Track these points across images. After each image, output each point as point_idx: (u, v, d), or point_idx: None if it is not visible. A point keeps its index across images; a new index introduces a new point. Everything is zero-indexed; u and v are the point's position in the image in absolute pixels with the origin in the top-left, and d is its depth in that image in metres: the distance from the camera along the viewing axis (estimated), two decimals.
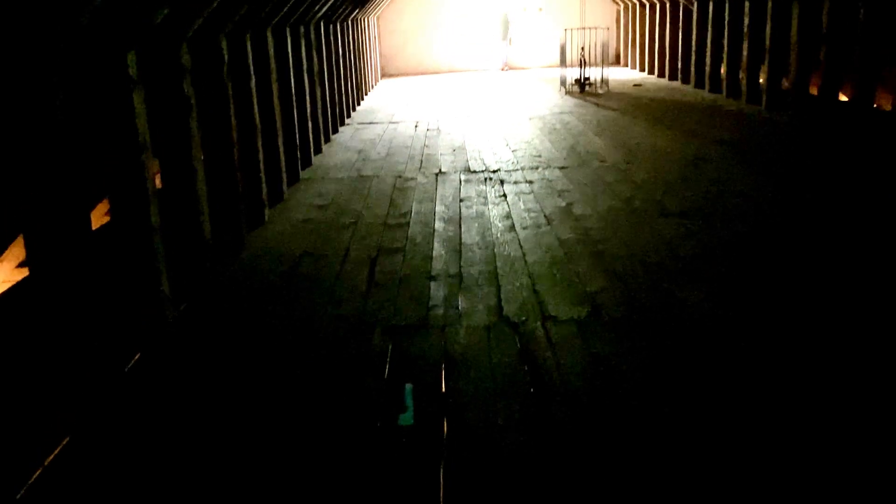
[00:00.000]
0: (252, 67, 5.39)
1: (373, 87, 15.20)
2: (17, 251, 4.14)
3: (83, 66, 3.21)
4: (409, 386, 2.95)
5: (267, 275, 4.43)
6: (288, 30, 6.69)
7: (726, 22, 10.98)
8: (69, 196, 2.78)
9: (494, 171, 6.94)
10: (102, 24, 2.92)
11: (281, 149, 6.13)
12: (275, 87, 6.03)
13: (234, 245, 4.85)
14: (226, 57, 4.73)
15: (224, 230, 4.74)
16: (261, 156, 5.46)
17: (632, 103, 11.27)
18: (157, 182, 4.09)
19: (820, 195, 5.52)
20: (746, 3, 10.15)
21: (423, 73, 18.52)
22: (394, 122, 10.46)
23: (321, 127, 8.37)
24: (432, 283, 4.13)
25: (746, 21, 10.20)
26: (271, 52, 5.96)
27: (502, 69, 18.51)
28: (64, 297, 2.77)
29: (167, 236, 3.81)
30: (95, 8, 2.65)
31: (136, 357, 3.35)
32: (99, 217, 4.53)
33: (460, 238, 4.94)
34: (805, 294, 3.71)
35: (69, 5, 2.53)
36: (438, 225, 5.27)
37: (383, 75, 17.95)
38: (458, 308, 3.77)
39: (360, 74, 12.84)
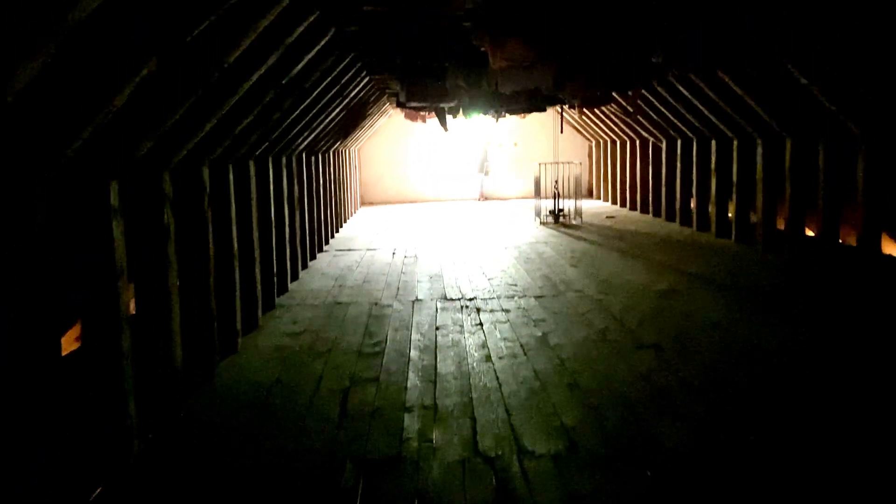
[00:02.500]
0: (233, 196, 5.48)
1: (352, 214, 15.45)
2: None
3: (65, 192, 3.24)
4: None
5: (237, 405, 4.33)
6: (270, 160, 6.85)
7: (694, 159, 11.43)
8: (39, 320, 2.74)
9: (471, 300, 6.98)
10: (87, 155, 2.98)
11: (258, 276, 6.14)
12: (255, 214, 6.11)
13: (206, 373, 4.76)
14: (207, 186, 4.81)
15: (196, 357, 4.66)
16: (237, 283, 5.46)
17: (605, 235, 11.52)
18: (131, 307, 4.06)
19: (794, 329, 5.58)
20: (713, 142, 10.61)
21: (402, 202, 18.91)
22: (371, 249, 10.57)
23: (299, 254, 8.43)
24: (406, 415, 4.05)
25: (714, 158, 10.63)
26: (253, 181, 6.08)
27: (479, 199, 18.95)
28: (28, 424, 2.67)
29: (138, 364, 3.74)
30: (82, 142, 2.71)
31: (98, 491, 3.21)
32: (69, 342, 4.45)
33: (436, 368, 4.89)
34: (784, 432, 3.68)
35: (56, 139, 2.59)
36: (414, 354, 5.23)
37: (363, 203, 18.30)
38: (432, 441, 3.68)
39: (340, 202, 13.08)
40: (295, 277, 8.14)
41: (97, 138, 2.92)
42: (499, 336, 5.64)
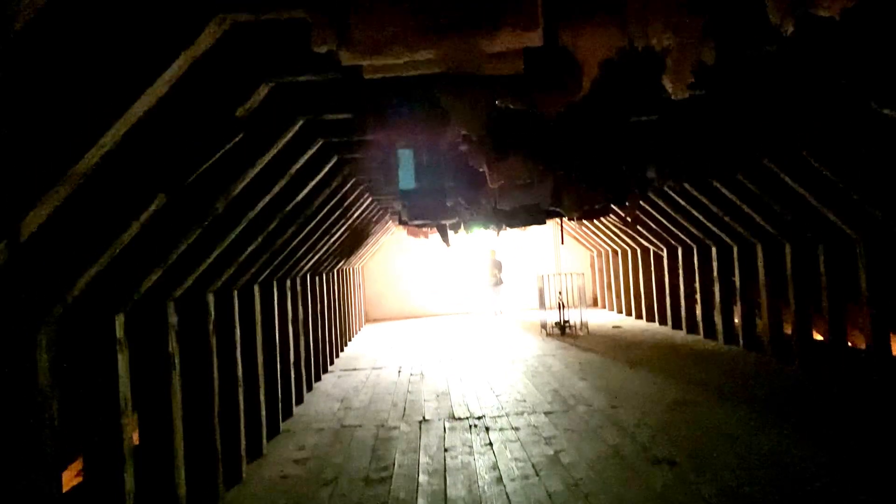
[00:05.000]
0: (237, 322, 5.50)
1: (356, 332, 15.42)
2: None
3: (69, 327, 3.26)
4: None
5: None
6: (275, 283, 6.91)
7: (696, 266, 11.49)
8: (40, 457, 2.69)
9: (479, 418, 6.86)
10: (93, 291, 3.01)
11: (262, 402, 6.07)
12: (259, 339, 6.10)
13: None
14: (212, 314, 4.84)
15: (199, 488, 4.55)
16: (241, 410, 5.39)
17: (612, 345, 11.45)
18: (134, 437, 4.00)
19: (810, 442, 5.46)
20: (713, 249, 10.70)
21: (406, 318, 18.87)
22: (377, 368, 10.48)
23: (304, 376, 8.36)
24: None
25: (715, 265, 10.68)
26: (257, 306, 6.11)
27: (496, 314, 18.48)
28: None
29: (140, 498, 3.65)
30: (88, 279, 2.75)
31: None
32: (71, 477, 4.36)
33: (445, 492, 4.76)
34: None
35: (62, 281, 2.63)
36: (423, 478, 5.10)
37: (367, 320, 18.27)
38: None
39: (345, 321, 13.09)
40: (300, 400, 8.03)
41: (103, 274, 2.96)
42: (509, 456, 5.51)
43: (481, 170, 6.01)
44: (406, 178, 3.57)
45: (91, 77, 2.12)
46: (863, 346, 7.58)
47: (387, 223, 13.93)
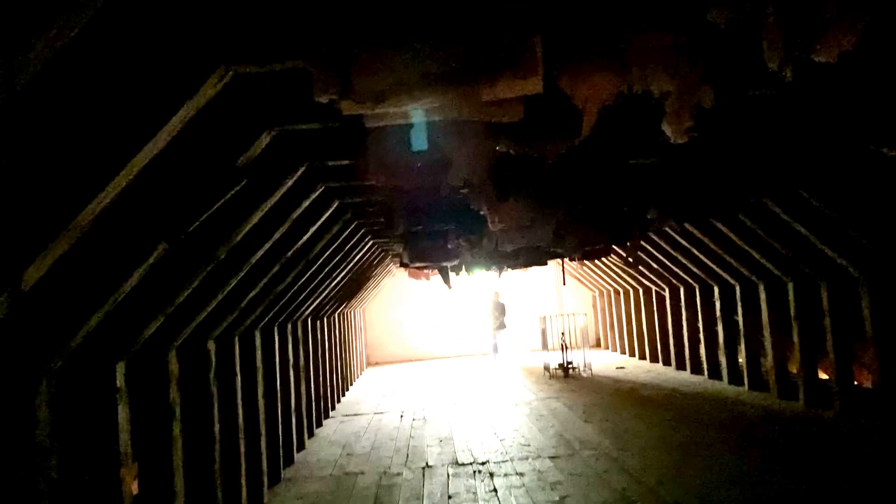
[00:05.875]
0: (239, 367, 5.45)
1: (358, 376, 15.30)
2: None
3: (69, 377, 3.23)
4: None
5: None
6: (276, 328, 6.88)
7: (699, 306, 11.43)
8: None
9: (483, 463, 6.76)
10: (94, 340, 2.99)
11: (263, 450, 5.99)
12: (260, 386, 6.05)
13: None
14: (213, 361, 4.80)
15: None
16: (242, 458, 5.32)
17: (617, 387, 11.35)
18: (134, 487, 3.93)
19: (820, 483, 5.38)
20: (715, 288, 10.67)
21: (408, 361, 18.74)
22: (379, 413, 10.38)
23: (305, 422, 8.27)
24: None
25: (718, 305, 10.64)
26: (258, 352, 6.07)
27: (499, 357, 18.22)
28: None
29: None
30: (90, 329, 2.73)
31: None
32: None
33: None
34: None
35: (63, 330, 2.61)
36: None
37: (369, 364, 18.14)
38: None
39: (346, 365, 13.00)
40: (301, 447, 7.93)
41: (104, 324, 2.94)
42: (514, 503, 5.42)
43: (482, 213, 6.02)
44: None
45: (94, 130, 2.13)
46: (869, 385, 7.51)
47: (388, 266, 13.91)
